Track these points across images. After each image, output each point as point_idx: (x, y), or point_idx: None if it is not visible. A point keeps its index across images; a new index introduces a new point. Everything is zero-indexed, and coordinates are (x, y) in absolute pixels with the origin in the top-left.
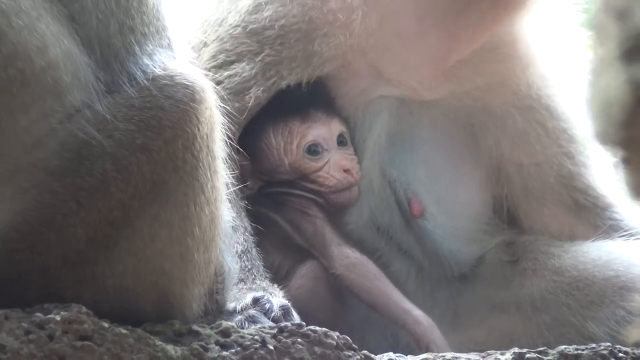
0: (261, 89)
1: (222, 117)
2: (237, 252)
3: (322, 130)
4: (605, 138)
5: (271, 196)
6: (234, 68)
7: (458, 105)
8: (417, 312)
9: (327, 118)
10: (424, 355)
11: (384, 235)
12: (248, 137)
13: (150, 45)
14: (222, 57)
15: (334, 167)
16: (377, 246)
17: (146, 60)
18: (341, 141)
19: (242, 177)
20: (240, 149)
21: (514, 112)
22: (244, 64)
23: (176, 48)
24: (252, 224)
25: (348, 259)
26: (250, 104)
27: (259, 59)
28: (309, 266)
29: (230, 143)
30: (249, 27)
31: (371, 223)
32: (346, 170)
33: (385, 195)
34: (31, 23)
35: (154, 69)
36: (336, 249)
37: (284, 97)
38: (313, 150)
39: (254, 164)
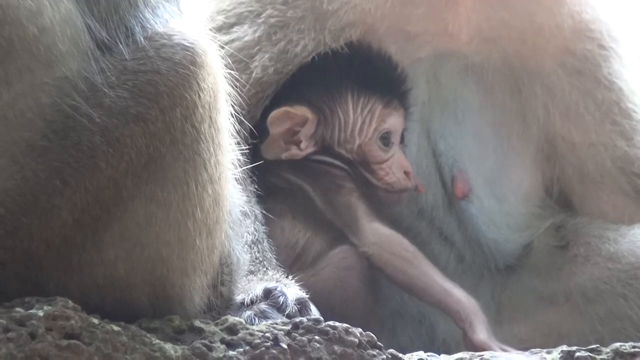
0: (267, 55)
1: (229, 85)
2: (246, 242)
3: (398, 121)
4: None
5: (308, 165)
6: (235, 32)
7: (502, 66)
8: (459, 292)
9: (401, 109)
10: (459, 355)
11: (425, 218)
12: (321, 94)
13: None
14: (220, 18)
15: (397, 165)
16: (417, 230)
17: (147, 14)
18: (402, 137)
19: (293, 133)
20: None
21: (562, 75)
22: (245, 26)
23: (183, 3)
24: (264, 212)
25: (381, 235)
26: (256, 74)
27: (261, 20)
28: (340, 252)
29: (239, 119)
30: None
31: (413, 203)
32: (407, 173)
33: (430, 172)
34: None
35: (155, 24)
36: (368, 224)
37: (372, 68)
38: (385, 138)
39: (320, 126)
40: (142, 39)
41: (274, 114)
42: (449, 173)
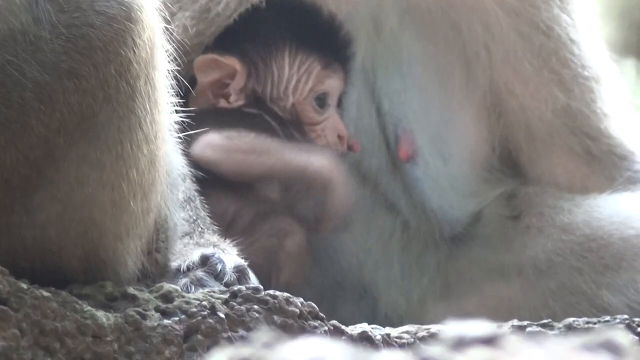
0: (188, 14)
1: (166, 41)
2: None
3: (336, 83)
4: (625, 47)
5: (238, 116)
6: None
7: (442, 3)
8: (315, 161)
9: (341, 72)
10: (406, 327)
11: (369, 184)
12: (254, 46)
13: None
14: None
15: (331, 128)
16: (361, 196)
17: None
18: (340, 100)
19: (222, 84)
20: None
21: (500, 14)
22: None
23: None
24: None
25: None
26: (177, 35)
27: None
28: (277, 223)
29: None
30: None
31: (356, 168)
32: (340, 137)
33: (373, 134)
34: None
35: None
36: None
37: (304, 23)
38: (322, 99)
39: (250, 79)
40: None
41: (201, 59)
42: (394, 133)
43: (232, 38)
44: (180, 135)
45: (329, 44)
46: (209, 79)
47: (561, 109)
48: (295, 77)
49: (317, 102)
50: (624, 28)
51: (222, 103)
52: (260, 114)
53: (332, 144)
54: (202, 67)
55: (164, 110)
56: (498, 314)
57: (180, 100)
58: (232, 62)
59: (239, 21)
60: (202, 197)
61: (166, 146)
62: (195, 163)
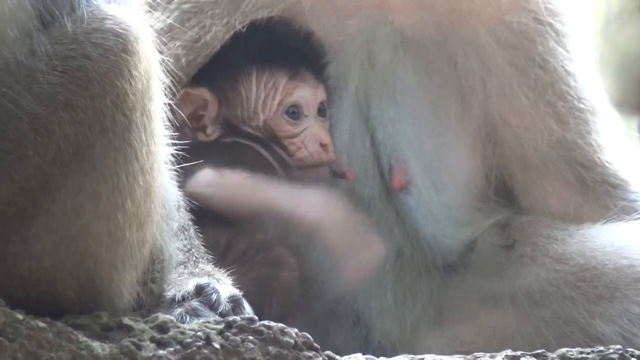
0: (179, 43)
1: (163, 72)
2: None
3: (308, 93)
4: (623, 103)
5: (225, 149)
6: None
7: (437, 36)
8: (304, 206)
9: (316, 81)
10: (399, 357)
11: (363, 212)
12: (222, 73)
13: None
14: None
15: (311, 138)
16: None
17: None
18: (320, 110)
19: (197, 117)
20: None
21: (496, 48)
22: (157, 13)
23: None
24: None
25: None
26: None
27: (173, 6)
28: (271, 253)
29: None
30: None
31: (350, 196)
32: (323, 145)
33: (367, 162)
34: None
35: (98, 1)
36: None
37: (274, 43)
38: (293, 112)
39: (222, 107)
40: (86, 12)
41: (177, 98)
42: (387, 163)
43: (202, 69)
44: (175, 167)
45: (296, 55)
46: (186, 113)
47: (556, 141)
48: (263, 94)
49: (289, 115)
50: (622, 83)
51: (201, 137)
52: (237, 142)
53: (315, 153)
54: (179, 102)
55: (159, 142)
56: (492, 343)
57: (175, 133)
58: (202, 93)
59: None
60: (196, 227)
61: (162, 177)
62: (189, 195)
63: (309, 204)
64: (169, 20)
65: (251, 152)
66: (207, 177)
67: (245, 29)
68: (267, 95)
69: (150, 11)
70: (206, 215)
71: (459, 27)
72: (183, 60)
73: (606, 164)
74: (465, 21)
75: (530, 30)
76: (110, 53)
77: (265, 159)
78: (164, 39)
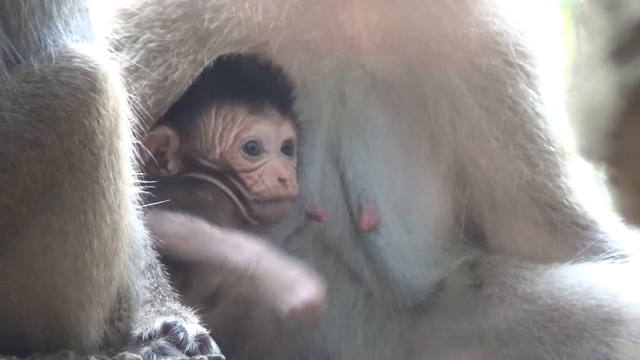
0: (145, 82)
1: (129, 110)
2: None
3: (270, 129)
4: (590, 152)
5: (185, 185)
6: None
7: (407, 78)
8: (237, 255)
9: (280, 117)
10: None
11: (332, 254)
12: (184, 109)
13: (68, 5)
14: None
15: (269, 172)
16: (324, 267)
17: (60, 26)
18: (287, 147)
19: (161, 154)
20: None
21: (466, 90)
22: (123, 52)
23: (93, 17)
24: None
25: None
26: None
27: (138, 45)
28: (243, 291)
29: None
30: (123, 8)
31: (319, 238)
32: (281, 180)
33: (337, 203)
34: None
35: (67, 39)
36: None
37: (239, 77)
38: (251, 147)
39: (183, 142)
40: (53, 51)
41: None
42: (357, 203)
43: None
44: (141, 206)
45: (260, 89)
46: (151, 153)
47: (526, 183)
48: (221, 126)
49: (246, 150)
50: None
51: (163, 172)
52: (196, 177)
53: (273, 187)
54: (145, 145)
55: (127, 180)
56: None
57: (141, 172)
58: (164, 131)
59: None
60: (162, 264)
61: (129, 216)
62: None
63: (242, 249)
64: (134, 60)
65: (210, 187)
66: (155, 220)
67: (213, 64)
68: (225, 128)
69: (115, 51)
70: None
71: (430, 69)
72: (150, 100)
73: (575, 205)
74: (436, 64)
75: (501, 73)
76: (78, 91)
77: (223, 193)
78: (130, 78)
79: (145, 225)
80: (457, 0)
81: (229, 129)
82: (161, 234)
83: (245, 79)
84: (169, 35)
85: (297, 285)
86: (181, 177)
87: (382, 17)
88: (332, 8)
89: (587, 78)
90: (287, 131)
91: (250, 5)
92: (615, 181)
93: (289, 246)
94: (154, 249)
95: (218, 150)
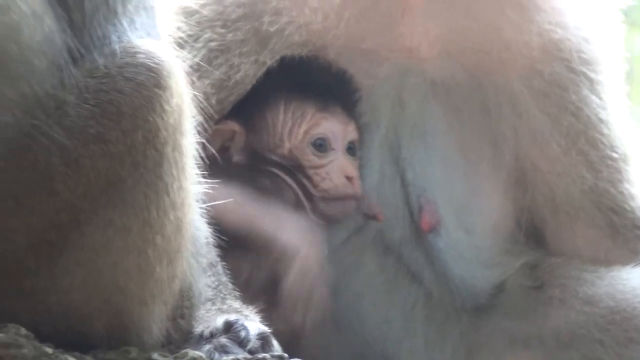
0: (208, 82)
1: (194, 107)
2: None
3: (337, 127)
4: None
5: (248, 175)
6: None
7: (468, 83)
8: (288, 237)
9: (346, 118)
10: None
11: (392, 255)
12: (252, 102)
13: (133, 2)
14: None
15: (336, 170)
16: (384, 267)
17: (125, 23)
18: (350, 148)
19: (225, 148)
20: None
21: (528, 96)
22: (185, 51)
23: (157, 15)
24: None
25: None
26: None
27: (200, 44)
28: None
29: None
30: (184, 5)
31: (379, 240)
32: (349, 178)
33: (397, 203)
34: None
35: (131, 36)
36: None
37: (304, 76)
38: (320, 144)
39: (249, 136)
40: (118, 47)
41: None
42: (417, 203)
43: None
44: (205, 204)
45: (326, 88)
46: (215, 148)
47: (588, 188)
48: (290, 122)
49: (315, 147)
50: None
51: (227, 167)
52: (262, 169)
53: (340, 185)
54: (209, 140)
55: (191, 177)
56: None
57: (205, 170)
58: (231, 125)
59: None
60: (223, 263)
61: (192, 213)
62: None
63: (291, 238)
64: (196, 59)
65: (274, 181)
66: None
67: (276, 63)
68: (294, 123)
69: (178, 49)
70: (230, 249)
71: (491, 75)
72: (214, 99)
73: (637, 210)
74: (497, 70)
75: (563, 79)
76: (142, 87)
77: (289, 187)
78: (193, 77)
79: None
80: (519, 9)
81: (298, 124)
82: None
83: (312, 78)
84: (230, 35)
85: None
86: (245, 169)
87: (442, 28)
88: (392, 18)
89: None
90: (352, 131)
91: (310, 11)
92: None
93: (348, 246)
94: (216, 247)
95: (287, 145)
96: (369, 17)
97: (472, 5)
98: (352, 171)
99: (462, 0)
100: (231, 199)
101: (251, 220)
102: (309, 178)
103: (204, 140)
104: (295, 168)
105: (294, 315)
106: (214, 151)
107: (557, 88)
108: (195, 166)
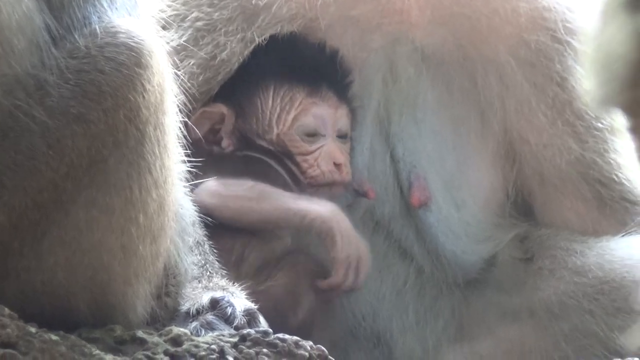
0: (194, 61)
1: (175, 86)
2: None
3: (327, 112)
4: (607, 101)
5: (237, 161)
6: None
7: (457, 53)
8: (317, 208)
9: (337, 101)
10: None
11: (382, 231)
12: (240, 86)
13: None
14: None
15: (325, 156)
16: (374, 244)
17: (105, 3)
18: (341, 132)
19: (214, 131)
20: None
21: (515, 66)
22: (172, 31)
23: None
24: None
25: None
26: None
27: (187, 24)
28: (290, 259)
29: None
30: None
31: (369, 215)
32: (337, 165)
33: (387, 179)
34: None
35: (111, 16)
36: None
37: (295, 57)
38: (310, 131)
39: (238, 120)
40: (99, 27)
41: (194, 117)
42: (407, 179)
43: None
44: (189, 182)
45: (318, 71)
46: (203, 130)
47: (575, 159)
48: (279, 107)
49: (304, 132)
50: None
51: (216, 150)
52: (249, 155)
53: (328, 172)
54: (195, 122)
55: (173, 156)
56: (510, 357)
57: (188, 150)
58: (219, 108)
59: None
60: (209, 240)
61: (176, 192)
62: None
63: (319, 209)
64: (183, 39)
65: (264, 166)
66: (211, 189)
67: (266, 43)
68: (283, 109)
69: (164, 29)
70: (219, 226)
71: (479, 44)
72: (199, 79)
73: (624, 181)
74: (485, 39)
75: (549, 49)
76: (123, 67)
77: (278, 173)
78: (178, 57)
79: (205, 194)
80: None
81: (287, 111)
82: (233, 197)
83: (303, 61)
84: (217, 14)
85: (360, 244)
86: (234, 154)
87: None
88: None
89: (605, 28)
90: (343, 115)
91: None
92: (633, 131)
93: None
94: (202, 226)
95: (275, 131)
96: None
97: None
98: (341, 157)
99: None
100: (247, 191)
101: (280, 206)
102: (297, 165)
103: (187, 122)
104: (283, 154)
105: (348, 276)
106: (199, 133)
107: (543, 58)
108: (179, 145)
